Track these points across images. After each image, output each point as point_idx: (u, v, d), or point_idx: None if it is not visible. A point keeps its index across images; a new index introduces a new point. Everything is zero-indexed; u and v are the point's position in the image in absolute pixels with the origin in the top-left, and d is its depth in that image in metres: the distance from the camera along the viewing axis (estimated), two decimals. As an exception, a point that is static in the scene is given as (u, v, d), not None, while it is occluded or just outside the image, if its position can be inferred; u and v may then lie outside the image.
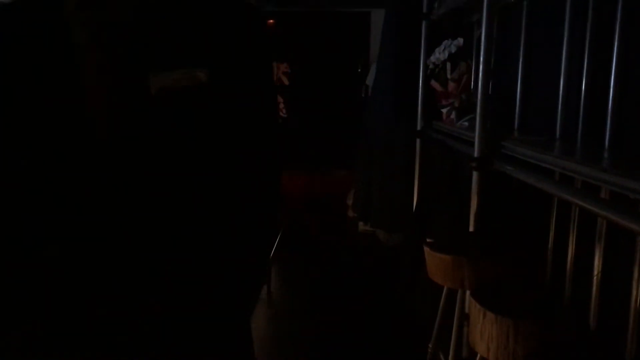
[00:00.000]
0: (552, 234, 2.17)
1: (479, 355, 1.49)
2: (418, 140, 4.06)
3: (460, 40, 3.64)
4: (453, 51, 3.56)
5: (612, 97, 1.90)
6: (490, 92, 2.60)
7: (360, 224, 5.15)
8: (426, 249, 1.90)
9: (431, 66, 3.81)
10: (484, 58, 2.32)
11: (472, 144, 2.55)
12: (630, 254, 1.62)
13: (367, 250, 4.75)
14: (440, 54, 3.68)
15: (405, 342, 3.01)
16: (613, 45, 1.89)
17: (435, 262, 1.85)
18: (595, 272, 1.83)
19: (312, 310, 3.53)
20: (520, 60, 2.81)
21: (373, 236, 4.94)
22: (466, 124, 3.11)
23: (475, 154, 2.34)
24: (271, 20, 8.13)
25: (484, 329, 1.35)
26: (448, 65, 3.64)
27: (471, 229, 2.40)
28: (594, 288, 1.84)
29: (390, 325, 3.26)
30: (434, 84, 3.73)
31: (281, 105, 5.36)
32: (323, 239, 5.15)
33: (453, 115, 3.35)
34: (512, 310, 1.36)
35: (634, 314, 1.62)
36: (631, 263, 1.63)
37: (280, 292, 3.86)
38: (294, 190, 7.09)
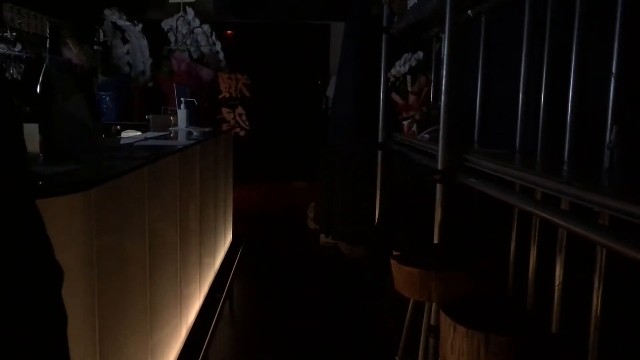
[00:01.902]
0: (513, 245, 2.21)
1: (448, 368, 1.49)
2: (379, 152, 4.10)
3: (420, 54, 3.71)
4: (413, 64, 3.62)
5: (571, 110, 1.96)
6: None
7: (322, 236, 5.14)
8: (393, 262, 1.90)
9: (392, 79, 3.86)
10: (447, 72, 2.36)
11: (433, 156, 2.58)
12: (591, 264, 1.66)
13: (330, 262, 4.74)
14: (400, 67, 3.73)
15: (372, 355, 3.00)
16: (571, 58, 1.95)
17: (403, 275, 1.85)
18: (557, 282, 1.87)
19: (276, 325, 3.49)
20: (480, 73, 2.87)
21: (335, 249, 4.94)
22: (427, 136, 3.15)
23: (439, 167, 2.36)
24: (230, 32, 8.09)
25: (455, 343, 1.35)
26: (408, 78, 3.69)
27: (435, 241, 2.42)
28: (556, 297, 1.88)
29: (356, 338, 3.25)
30: (395, 96, 3.77)
31: (243, 117, 5.32)
32: (284, 252, 5.12)
33: (414, 128, 3.39)
34: (482, 323, 1.37)
35: (594, 322, 1.66)
36: (591, 272, 1.67)
37: (242, 307, 3.80)
38: (253, 201, 7.04)
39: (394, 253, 2.03)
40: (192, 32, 4.82)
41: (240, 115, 5.34)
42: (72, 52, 4.13)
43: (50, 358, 0.77)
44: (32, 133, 1.74)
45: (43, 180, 1.37)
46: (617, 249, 1.31)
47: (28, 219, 0.78)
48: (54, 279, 0.78)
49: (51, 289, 0.77)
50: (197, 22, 4.88)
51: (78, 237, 1.41)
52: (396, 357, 2.28)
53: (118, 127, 3.09)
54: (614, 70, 1.72)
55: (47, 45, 1.80)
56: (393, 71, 3.90)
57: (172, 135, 3.37)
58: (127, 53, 4.67)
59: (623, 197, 1.34)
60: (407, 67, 3.76)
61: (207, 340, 2.90)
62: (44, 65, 1.77)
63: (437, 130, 2.49)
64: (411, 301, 2.09)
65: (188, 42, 4.79)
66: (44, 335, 0.76)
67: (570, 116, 1.96)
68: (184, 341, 2.63)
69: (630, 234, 1.31)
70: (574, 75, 1.95)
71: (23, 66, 3.36)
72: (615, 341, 1.64)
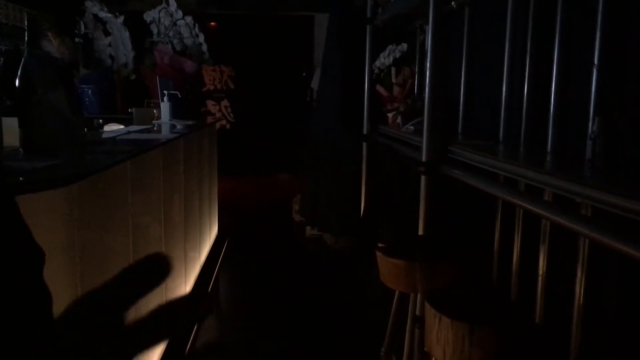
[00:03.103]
0: (497, 236, 2.23)
1: (433, 359, 1.50)
2: (364, 145, 4.10)
3: (405, 46, 3.71)
4: (398, 56, 3.62)
5: (554, 101, 1.97)
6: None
7: (308, 228, 5.14)
8: (379, 254, 1.91)
9: (376, 71, 3.86)
10: (430, 63, 2.36)
11: (418, 148, 2.58)
12: (574, 254, 1.68)
13: (315, 254, 4.75)
14: (385, 59, 3.73)
15: (357, 347, 3.02)
16: (554, 50, 1.96)
17: (388, 267, 1.86)
18: (540, 272, 1.89)
19: (261, 317, 3.49)
20: (463, 65, 2.87)
21: (320, 240, 4.95)
22: (412, 128, 3.16)
23: (423, 159, 2.37)
24: (213, 23, 8.02)
25: (440, 334, 1.36)
26: (393, 70, 3.69)
27: (420, 232, 2.43)
28: (539, 288, 1.90)
29: (341, 330, 3.27)
30: (380, 88, 3.77)
31: (229, 110, 5.28)
32: (270, 244, 5.12)
33: (399, 120, 3.39)
34: (467, 314, 1.38)
35: (577, 311, 1.68)
36: (574, 263, 1.69)
37: (227, 299, 3.80)
38: (238, 194, 7.01)
39: (379, 245, 2.03)
40: (175, 23, 4.77)
41: (226, 107, 5.31)
42: (52, 45, 4.06)
43: (36, 336, 0.78)
44: (11, 127, 1.71)
45: (23, 176, 1.35)
46: (599, 240, 1.33)
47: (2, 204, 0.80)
48: (34, 260, 0.80)
49: (33, 270, 0.79)
50: (180, 13, 4.83)
51: (60, 233, 1.40)
52: (382, 349, 2.30)
53: (100, 120, 3.05)
54: (595, 61, 1.73)
55: (26, 38, 1.77)
56: (377, 63, 3.90)
57: (155, 128, 3.34)
58: (109, 45, 4.61)
59: (605, 188, 1.35)
60: (391, 58, 3.76)
61: (193, 333, 2.90)
62: (23, 58, 1.73)
63: (422, 122, 2.49)
64: (396, 292, 2.10)
65: (171, 34, 4.74)
66: (29, 315, 0.77)
67: (553, 107, 1.98)
68: (171, 335, 2.62)
69: (611, 224, 1.32)
70: (556, 66, 1.96)
71: (2, 59, 3.30)
72: (598, 330, 1.66)
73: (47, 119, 1.76)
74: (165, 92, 3.68)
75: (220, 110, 5.27)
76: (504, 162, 1.91)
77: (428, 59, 2.40)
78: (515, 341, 1.35)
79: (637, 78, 1.70)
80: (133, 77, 4.58)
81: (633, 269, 1.52)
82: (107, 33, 4.62)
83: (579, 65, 1.90)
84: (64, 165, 1.58)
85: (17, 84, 1.71)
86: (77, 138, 2.01)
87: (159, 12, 4.78)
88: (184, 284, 3.05)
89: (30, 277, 0.79)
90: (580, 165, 1.73)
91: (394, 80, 3.69)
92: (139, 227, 2.08)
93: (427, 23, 2.47)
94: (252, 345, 3.12)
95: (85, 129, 2.82)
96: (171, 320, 2.71)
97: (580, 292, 1.68)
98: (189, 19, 4.87)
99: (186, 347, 2.69)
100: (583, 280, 1.66)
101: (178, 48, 4.75)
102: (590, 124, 1.72)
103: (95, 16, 4.56)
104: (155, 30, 4.79)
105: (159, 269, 2.46)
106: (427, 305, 1.47)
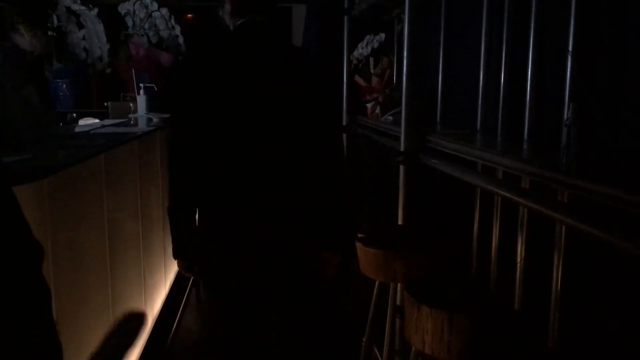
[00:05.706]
0: (476, 224, 2.24)
1: (414, 349, 1.50)
2: (344, 135, 4.08)
3: (382, 36, 3.70)
4: (376, 46, 3.61)
5: (530, 90, 1.98)
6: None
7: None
8: (358, 244, 1.90)
9: (355, 61, 3.84)
10: (408, 53, 2.35)
11: (397, 138, 2.58)
12: (551, 241, 1.69)
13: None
14: (363, 49, 3.72)
15: (339, 337, 3.02)
16: (529, 39, 1.96)
17: (367, 257, 1.85)
18: (519, 259, 1.90)
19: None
20: (441, 54, 2.87)
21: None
22: (390, 118, 3.15)
23: (402, 148, 2.37)
24: (190, 15, 7.93)
25: (419, 323, 1.36)
26: (371, 60, 3.68)
27: (400, 222, 2.43)
28: (518, 274, 1.91)
29: (323, 321, 3.26)
30: (358, 79, 3.76)
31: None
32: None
33: (378, 110, 3.39)
34: (446, 303, 1.38)
35: (554, 298, 1.70)
36: (551, 249, 1.70)
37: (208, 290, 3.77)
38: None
39: (359, 235, 2.02)
40: (150, 16, 4.70)
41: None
42: (24, 38, 3.98)
43: (37, 333, 0.79)
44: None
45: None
46: (575, 226, 1.33)
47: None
48: (33, 255, 0.80)
49: (31, 265, 0.79)
50: (155, 5, 4.76)
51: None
52: (363, 339, 2.29)
53: (74, 114, 2.99)
54: (570, 48, 1.74)
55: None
56: (355, 53, 3.88)
57: (132, 122, 3.30)
58: (83, 39, 4.53)
59: (579, 175, 1.36)
60: (369, 49, 3.74)
61: (174, 328, 2.88)
62: (-10, 52, 1.69)
63: (400, 112, 2.48)
64: (377, 283, 2.10)
65: (146, 26, 4.67)
66: (29, 310, 0.78)
67: (529, 95, 1.98)
68: (150, 331, 2.60)
69: (587, 210, 1.33)
70: (532, 54, 1.97)
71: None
72: (575, 316, 1.68)
73: (16, 112, 1.72)
74: (141, 85, 3.63)
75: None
76: (482, 151, 1.92)
77: (405, 49, 2.39)
78: (494, 328, 1.35)
79: (610, 64, 1.71)
80: (108, 70, 4.50)
81: (609, 254, 1.53)
82: (80, 26, 4.52)
83: (554, 53, 1.91)
84: (33, 159, 1.54)
85: (-17, 77, 1.66)
86: (49, 132, 1.97)
87: (134, 4, 4.70)
88: (163, 279, 3.02)
89: (30, 273, 0.79)
90: (556, 152, 1.74)
91: (372, 70, 3.68)
92: (115, 222, 2.04)
93: (405, 12, 2.45)
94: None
95: (61, 124, 2.77)
96: (150, 315, 2.68)
97: (557, 278, 1.69)
98: (164, 10, 4.80)
99: (167, 342, 2.67)
100: (560, 266, 1.67)
101: (154, 41, 4.68)
102: (565, 110, 1.73)
103: (68, 9, 4.46)
104: (130, 23, 4.71)
105: (136, 264, 2.43)
106: (407, 295, 1.47)
